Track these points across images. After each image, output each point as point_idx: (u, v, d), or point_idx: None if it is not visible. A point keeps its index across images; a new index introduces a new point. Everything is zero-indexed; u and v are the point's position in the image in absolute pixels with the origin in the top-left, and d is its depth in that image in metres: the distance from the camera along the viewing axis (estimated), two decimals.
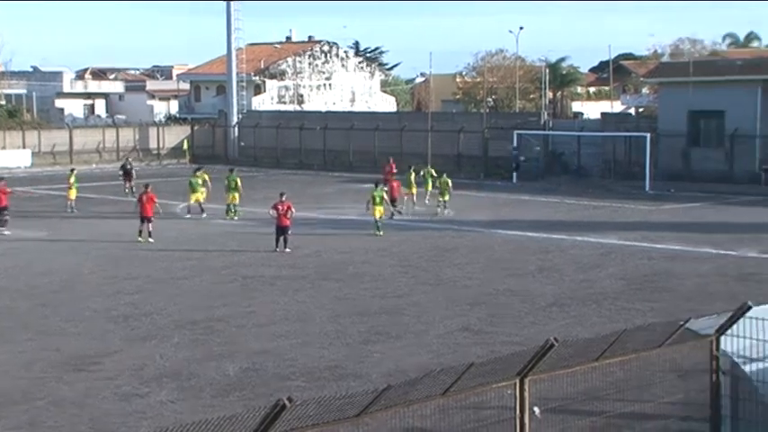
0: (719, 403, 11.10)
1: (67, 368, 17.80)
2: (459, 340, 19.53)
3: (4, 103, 79.91)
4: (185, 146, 70.57)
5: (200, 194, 39.22)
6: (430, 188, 42.93)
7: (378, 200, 33.99)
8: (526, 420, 10.01)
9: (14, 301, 23.32)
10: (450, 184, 40.46)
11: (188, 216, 39.62)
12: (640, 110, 74.53)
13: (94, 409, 15.40)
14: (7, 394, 16.17)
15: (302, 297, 23.94)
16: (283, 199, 31.40)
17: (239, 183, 39.56)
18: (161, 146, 71.53)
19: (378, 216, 33.91)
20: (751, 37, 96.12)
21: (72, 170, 42.91)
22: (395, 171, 42.32)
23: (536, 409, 11.96)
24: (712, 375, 11.15)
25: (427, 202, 42.40)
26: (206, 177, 40.60)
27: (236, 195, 38.99)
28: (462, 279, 26.09)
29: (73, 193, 41.40)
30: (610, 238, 32.92)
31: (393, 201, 37.96)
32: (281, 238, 30.70)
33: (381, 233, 33.48)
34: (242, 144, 70.90)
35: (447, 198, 40.24)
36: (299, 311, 22.29)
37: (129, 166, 48.69)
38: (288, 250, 30.32)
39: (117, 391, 16.36)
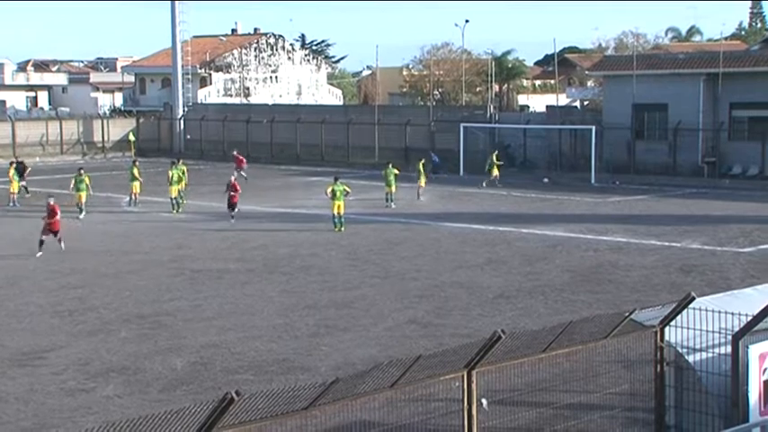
0: (664, 393, 11.26)
1: (11, 363, 17.56)
2: (407, 333, 19.59)
3: None
4: (131, 137, 69.81)
5: (176, 188, 38.58)
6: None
7: (338, 194, 33.49)
8: (474, 412, 10.08)
9: None
10: (395, 175, 40.53)
11: (131, 208, 39.40)
12: (585, 103, 75.22)
13: (39, 405, 15.22)
14: None
15: (250, 290, 23.84)
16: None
17: (184, 174, 39.36)
18: (106, 139, 70.68)
19: (336, 212, 33.35)
20: (693, 31, 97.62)
21: (11, 163, 41.88)
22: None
23: (484, 401, 12.06)
24: (657, 366, 11.31)
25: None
26: (184, 169, 40.19)
27: (177, 188, 38.62)
28: (410, 272, 26.16)
29: (15, 186, 40.84)
30: (556, 231, 33.22)
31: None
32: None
33: (342, 229, 33.00)
34: (188, 137, 70.35)
35: (394, 190, 40.32)
36: (246, 305, 22.20)
37: (22, 165, 45.65)
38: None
39: (62, 386, 16.18)
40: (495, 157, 48.42)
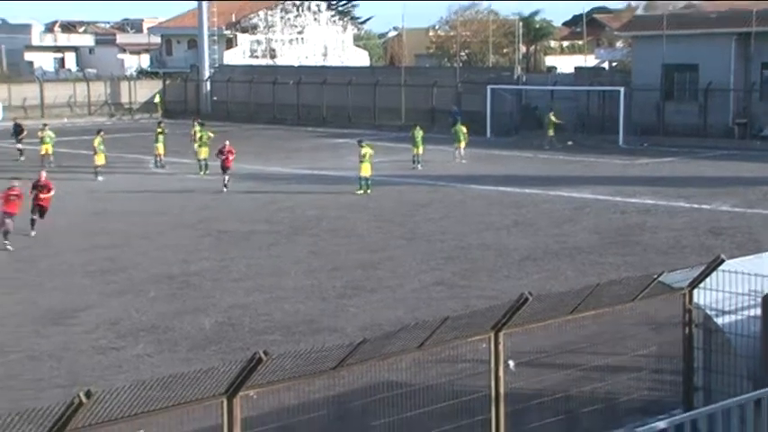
0: (692, 356, 11.24)
1: (44, 322, 17.78)
2: (433, 294, 19.63)
3: None
4: (158, 99, 69.96)
5: (205, 149, 38.42)
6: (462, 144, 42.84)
7: (366, 157, 33.35)
8: (501, 373, 10.11)
9: None
10: (422, 137, 40.45)
11: (157, 169, 39.62)
12: (614, 64, 74.51)
13: (72, 363, 15.41)
14: None
15: (277, 252, 23.94)
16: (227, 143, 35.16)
17: (210, 137, 39.44)
18: (133, 100, 70.87)
19: (364, 174, 33.19)
20: None
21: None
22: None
23: (510, 363, 12.08)
24: (685, 328, 11.28)
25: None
26: (210, 134, 39.87)
27: (206, 150, 38.66)
28: (437, 234, 26.16)
29: (49, 148, 41.00)
30: (583, 193, 33.06)
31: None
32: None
33: (365, 192, 32.81)
34: (214, 99, 70.37)
35: (420, 152, 40.24)
36: (273, 266, 22.31)
37: (19, 127, 45.19)
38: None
39: (94, 345, 16.37)
40: (552, 117, 48.57)
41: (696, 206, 30.26)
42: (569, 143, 48.55)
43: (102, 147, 37.56)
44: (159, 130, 41.07)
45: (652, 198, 31.86)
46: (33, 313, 18.36)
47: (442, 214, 29.26)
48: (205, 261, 22.77)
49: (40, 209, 26.09)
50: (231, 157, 34.80)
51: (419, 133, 40.23)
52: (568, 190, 33.81)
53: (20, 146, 43.40)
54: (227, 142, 35.40)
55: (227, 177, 34.08)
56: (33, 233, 25.60)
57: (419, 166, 39.89)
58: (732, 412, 8.04)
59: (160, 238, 25.80)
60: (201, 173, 38.12)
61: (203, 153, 38.67)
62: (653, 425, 7.56)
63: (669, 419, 7.79)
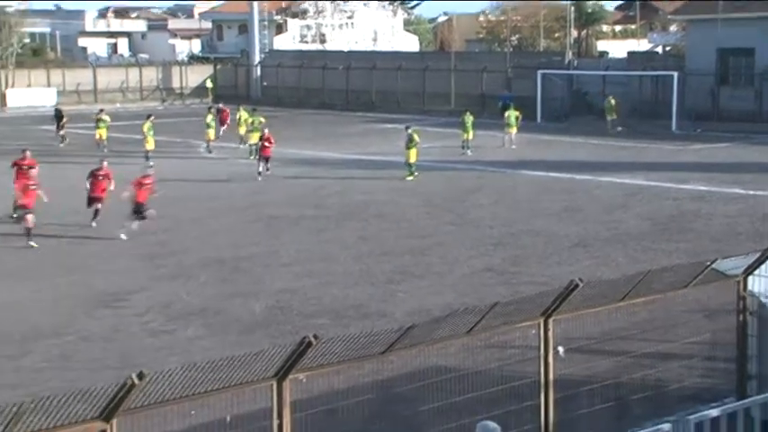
0: (746, 343, 11.09)
1: (96, 304, 18.02)
2: (483, 280, 19.57)
3: (28, 41, 79.82)
4: (209, 84, 70.45)
5: (257, 134, 38.59)
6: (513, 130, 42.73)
7: (413, 142, 33.07)
8: (550, 359, 10.06)
9: (44, 239, 23.50)
10: (473, 122, 40.32)
11: (208, 154, 39.93)
12: (668, 48, 73.57)
13: (123, 345, 15.61)
14: (38, 329, 16.40)
15: (326, 237, 24.02)
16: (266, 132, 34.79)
17: (261, 123, 39.65)
18: (184, 85, 71.43)
19: (411, 159, 33.01)
20: None
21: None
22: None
23: (560, 349, 12.02)
24: (739, 315, 11.13)
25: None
26: (261, 119, 40.12)
27: (258, 135, 38.86)
28: (486, 219, 26.06)
29: (103, 133, 41.52)
30: (635, 179, 32.73)
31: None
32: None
33: (412, 177, 32.64)
34: (264, 84, 70.69)
35: (470, 137, 40.12)
36: (323, 251, 22.38)
37: (59, 112, 45.61)
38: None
39: (145, 328, 16.57)
40: (612, 100, 48.58)
41: (751, 192, 29.81)
42: (619, 129, 48.06)
43: (151, 132, 37.93)
44: (210, 115, 41.34)
45: (706, 184, 31.45)
46: (86, 296, 18.61)
47: (491, 200, 29.15)
48: (255, 246, 22.91)
49: (96, 200, 25.15)
50: (269, 146, 33.91)
51: (469, 119, 40.10)
52: (620, 176, 33.49)
53: (62, 132, 43.88)
54: (266, 130, 34.97)
55: (261, 165, 33.45)
56: (94, 224, 24.77)
57: (469, 151, 39.75)
58: None
59: (210, 222, 26.00)
60: (252, 157, 38.31)
61: (254, 138, 38.82)
62: (705, 413, 7.47)
63: (721, 407, 7.70)
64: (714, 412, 7.50)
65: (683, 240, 23.11)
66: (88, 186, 25.24)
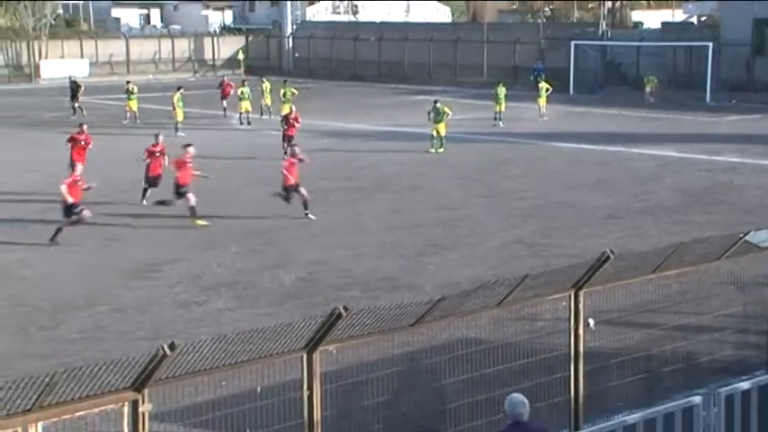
0: None
1: (128, 276, 18.18)
2: (513, 252, 19.54)
3: (61, 11, 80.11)
4: (241, 56, 70.48)
5: (288, 106, 38.81)
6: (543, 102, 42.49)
7: (440, 115, 32.79)
8: (580, 332, 10.04)
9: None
10: (506, 94, 40.11)
11: (242, 126, 40.00)
12: (703, 18, 72.60)
13: (155, 316, 15.75)
14: (71, 300, 16.58)
15: (358, 209, 24.04)
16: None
17: (293, 94, 39.71)
18: (216, 56, 71.50)
19: (436, 133, 32.81)
20: None
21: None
22: None
23: (591, 321, 11.98)
24: None
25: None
26: (294, 90, 40.26)
27: (289, 107, 38.97)
28: (517, 191, 25.98)
29: (134, 105, 41.72)
30: (668, 151, 32.46)
31: None
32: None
33: (439, 150, 32.41)
34: (296, 55, 70.61)
35: (502, 109, 39.93)
36: (354, 223, 22.42)
37: (75, 84, 44.71)
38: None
39: (176, 299, 16.70)
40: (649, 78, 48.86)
41: None
42: (651, 100, 47.58)
43: (181, 103, 38.05)
44: (243, 88, 41.22)
45: (739, 156, 31.14)
46: (118, 267, 18.77)
47: (522, 172, 29.03)
48: (285, 217, 22.97)
49: (154, 179, 24.32)
50: (297, 126, 32.25)
51: (502, 90, 39.92)
52: (652, 147, 33.23)
53: (76, 103, 43.70)
54: (294, 108, 33.83)
55: (286, 145, 30.22)
56: (145, 202, 24.23)
57: (501, 123, 39.57)
58: None
59: (241, 193, 26.08)
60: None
61: (285, 109, 38.93)
62: (736, 385, 7.44)
63: (752, 380, 7.65)
64: (745, 385, 7.47)
65: (715, 212, 22.93)
66: (146, 164, 24.41)
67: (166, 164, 24.49)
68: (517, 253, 19.44)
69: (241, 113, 40.86)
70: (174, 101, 38.07)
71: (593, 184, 26.92)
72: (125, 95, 42.27)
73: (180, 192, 22.62)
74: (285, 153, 29.99)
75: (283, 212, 23.39)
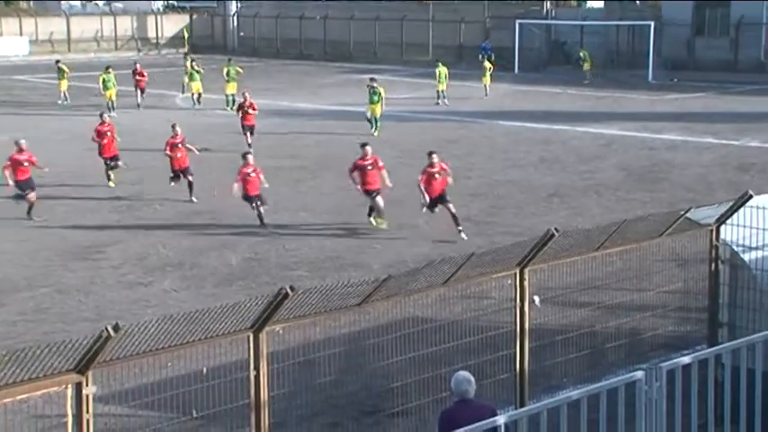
0: (718, 292, 11.20)
1: (72, 257, 17.96)
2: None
3: None
4: (185, 34, 69.73)
5: (234, 85, 38.67)
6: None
7: (375, 98, 32.45)
8: (526, 309, 10.11)
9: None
10: (447, 73, 40.17)
11: (188, 105, 39.62)
12: None
13: (99, 297, 15.59)
14: (12, 282, 16.35)
15: (303, 188, 23.98)
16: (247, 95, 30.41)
17: (238, 73, 39.43)
18: (160, 35, 70.65)
19: (376, 114, 32.28)
20: None
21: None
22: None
23: (536, 299, 12.10)
24: (712, 264, 11.23)
25: None
26: (238, 69, 39.91)
27: (235, 85, 38.78)
28: (463, 170, 26.05)
29: (64, 84, 40.98)
30: (611, 129, 32.80)
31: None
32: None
33: (376, 133, 31.76)
34: (241, 34, 70.03)
35: (444, 88, 40.02)
36: (300, 202, 22.36)
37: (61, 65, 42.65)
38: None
39: (121, 280, 16.54)
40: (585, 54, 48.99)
41: (725, 142, 29.97)
42: (585, 82, 47.74)
43: (111, 83, 37.38)
44: (195, 68, 40.47)
45: (680, 134, 31.57)
46: (61, 248, 18.55)
47: (468, 151, 29.14)
48: (232, 197, 22.80)
49: (183, 171, 22.57)
50: (253, 113, 29.72)
51: (443, 69, 40.01)
52: (596, 126, 33.55)
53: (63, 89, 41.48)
54: (248, 95, 30.53)
55: (249, 136, 29.25)
56: (195, 199, 22.39)
57: (443, 101, 39.65)
58: (757, 347, 8.02)
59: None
60: (229, 108, 38.09)
61: (231, 88, 38.75)
62: (677, 360, 7.55)
63: (693, 355, 7.78)
64: (686, 359, 7.58)
65: (657, 190, 23.24)
66: (170, 157, 22.72)
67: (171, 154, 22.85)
68: (463, 231, 19.52)
69: (192, 94, 40.18)
70: (100, 81, 37.46)
71: (537, 162, 27.12)
72: (56, 75, 41.52)
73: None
74: (249, 145, 28.17)
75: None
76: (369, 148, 19.96)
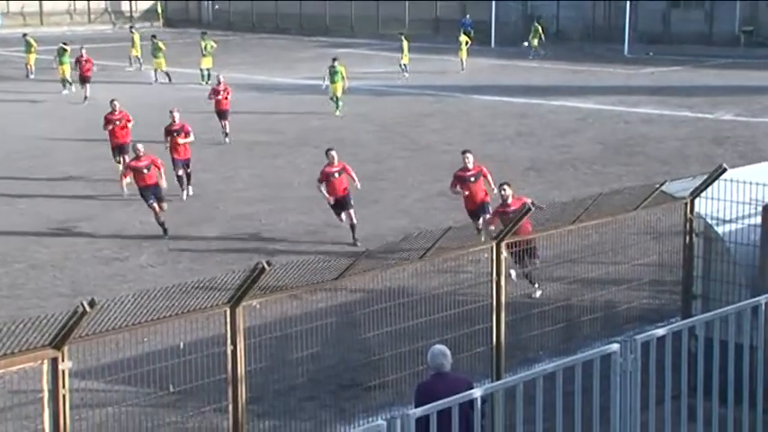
0: (692, 264, 11.28)
1: (46, 232, 17.85)
2: (436, 205, 19.66)
3: None
4: (159, 8, 69.11)
5: (209, 59, 38.51)
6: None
7: (336, 77, 31.15)
8: (502, 283, 10.16)
9: None
10: (408, 46, 40.17)
11: (157, 82, 39.12)
12: None
13: (75, 272, 15.53)
14: None
15: (280, 163, 23.92)
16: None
17: (213, 47, 39.19)
18: (134, 9, 69.97)
19: (337, 93, 31.09)
20: None
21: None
22: None
23: (512, 272, 12.16)
24: (686, 237, 11.31)
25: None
26: (212, 43, 39.57)
27: (209, 60, 38.60)
28: (440, 144, 26.08)
29: (32, 58, 40.55)
30: (587, 103, 32.87)
31: None
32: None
33: (339, 113, 30.92)
34: (216, 7, 69.45)
35: (406, 61, 39.99)
36: (277, 177, 22.31)
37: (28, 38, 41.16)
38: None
39: (97, 255, 16.47)
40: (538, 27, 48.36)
41: (700, 115, 30.11)
42: (530, 57, 47.25)
43: (65, 59, 36.80)
44: (160, 44, 40.03)
45: (656, 108, 31.68)
46: (35, 224, 18.44)
47: (445, 125, 29.13)
48: (208, 172, 22.75)
49: (183, 162, 20.80)
50: (227, 97, 26.92)
51: (405, 43, 40.01)
52: (573, 100, 33.60)
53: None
54: (222, 79, 27.86)
55: (225, 124, 26.96)
56: (190, 193, 20.70)
57: (406, 74, 39.59)
58: (729, 319, 8.10)
59: (161, 147, 25.68)
60: (204, 82, 37.87)
61: (206, 63, 38.55)
62: (651, 332, 7.62)
63: (668, 327, 7.85)
64: (660, 331, 7.65)
65: (633, 163, 23.34)
66: (169, 149, 20.88)
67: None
68: (440, 205, 19.57)
69: (156, 70, 39.83)
70: (56, 57, 36.95)
71: (514, 136, 27.16)
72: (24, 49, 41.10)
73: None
74: (225, 135, 26.50)
75: (209, 167, 23.17)
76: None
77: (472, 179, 17.05)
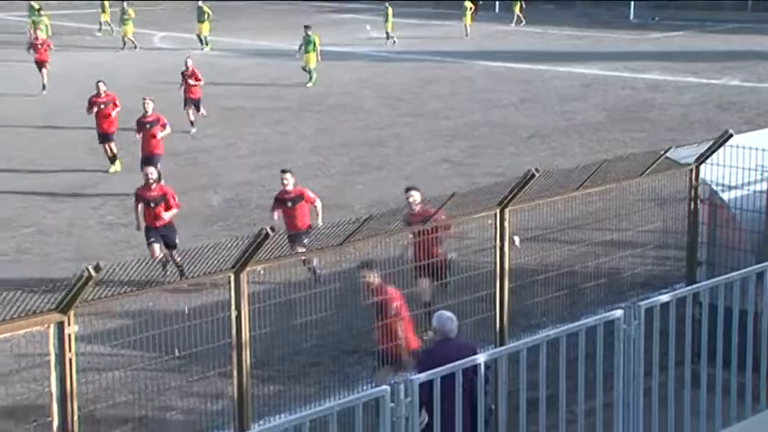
0: (697, 231, 11.27)
1: (51, 198, 17.87)
2: (440, 172, 19.63)
3: None
4: None
5: (206, 25, 38.39)
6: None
7: (310, 46, 30.22)
8: (506, 249, 10.15)
9: None
10: (393, 13, 39.99)
11: (123, 51, 38.39)
12: None
13: (80, 238, 15.56)
14: None
15: (284, 128, 23.87)
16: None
17: (209, 13, 38.95)
18: None
19: (310, 64, 30.14)
20: None
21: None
22: None
23: (516, 239, 12.13)
24: (690, 204, 11.29)
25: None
26: (208, 11, 39.28)
27: (207, 26, 38.47)
28: (443, 111, 26.00)
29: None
30: (592, 69, 32.71)
31: None
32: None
33: (308, 85, 29.90)
34: None
35: (390, 29, 39.81)
36: (280, 143, 22.27)
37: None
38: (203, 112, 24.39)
39: (101, 221, 16.50)
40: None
41: (705, 81, 29.97)
42: (511, 25, 46.54)
43: (42, 25, 36.75)
44: (129, 11, 39.25)
45: (661, 73, 31.52)
46: (41, 189, 18.44)
47: (449, 91, 29.03)
48: (211, 138, 22.73)
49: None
50: (196, 84, 23.84)
51: (389, 9, 39.82)
52: (577, 66, 33.44)
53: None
54: (190, 62, 24.20)
55: (192, 113, 23.85)
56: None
57: (392, 41, 39.35)
58: (734, 285, 8.10)
59: (164, 113, 25.60)
60: (208, 47, 37.79)
61: (204, 29, 38.51)
62: (655, 299, 7.62)
63: (671, 293, 7.85)
64: (664, 298, 7.65)
65: (638, 130, 23.27)
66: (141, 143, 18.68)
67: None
68: (444, 172, 19.55)
69: (125, 37, 39.14)
70: (33, 22, 36.77)
71: (518, 103, 27.06)
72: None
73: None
74: (191, 123, 23.73)
75: (211, 133, 23.14)
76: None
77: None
